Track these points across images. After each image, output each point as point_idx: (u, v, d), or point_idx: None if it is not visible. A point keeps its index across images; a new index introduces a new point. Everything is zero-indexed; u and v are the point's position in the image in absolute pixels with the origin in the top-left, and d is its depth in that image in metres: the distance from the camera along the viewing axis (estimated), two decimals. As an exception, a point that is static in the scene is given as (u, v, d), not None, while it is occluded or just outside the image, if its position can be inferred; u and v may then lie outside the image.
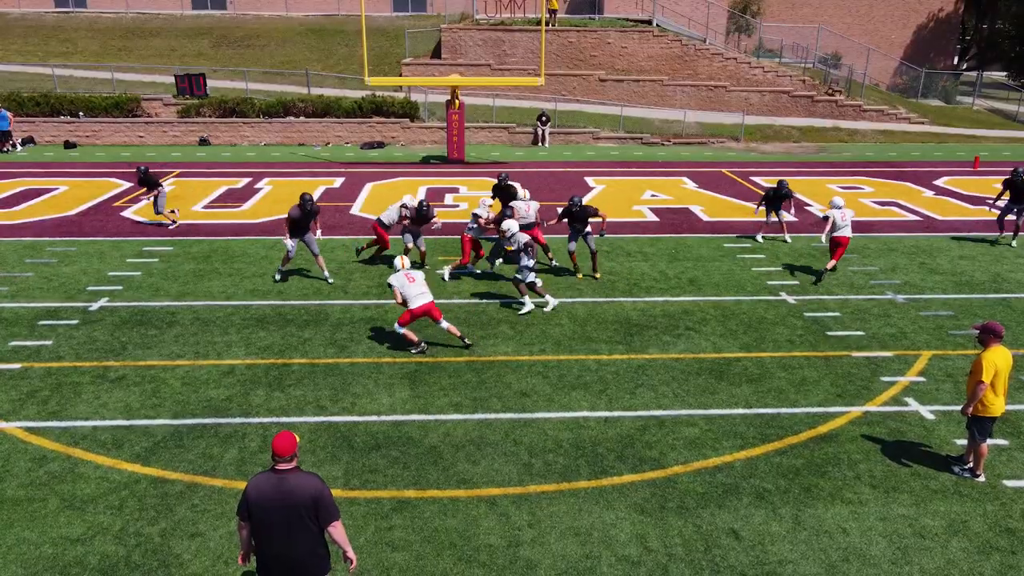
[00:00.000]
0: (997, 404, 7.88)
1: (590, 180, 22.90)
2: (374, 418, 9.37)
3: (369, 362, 10.82)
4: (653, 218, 18.69)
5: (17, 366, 10.54)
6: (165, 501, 7.73)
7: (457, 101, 25.19)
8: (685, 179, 23.23)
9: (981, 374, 7.72)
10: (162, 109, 29.39)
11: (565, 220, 14.20)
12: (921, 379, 10.50)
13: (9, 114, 26.42)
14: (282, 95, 30.40)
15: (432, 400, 9.82)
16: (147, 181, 16.72)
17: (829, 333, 11.97)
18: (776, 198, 16.76)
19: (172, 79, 31.33)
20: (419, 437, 8.97)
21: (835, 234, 14.15)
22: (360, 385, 10.18)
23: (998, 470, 8.39)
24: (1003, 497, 7.93)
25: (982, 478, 8.21)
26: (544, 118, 28.92)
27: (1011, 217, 16.97)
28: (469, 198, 20.48)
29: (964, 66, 48.91)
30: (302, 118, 29.11)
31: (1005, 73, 48.77)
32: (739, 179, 23.31)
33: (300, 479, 5.32)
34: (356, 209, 19.40)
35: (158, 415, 9.34)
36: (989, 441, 8.70)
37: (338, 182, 22.36)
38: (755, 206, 17.88)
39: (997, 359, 7.74)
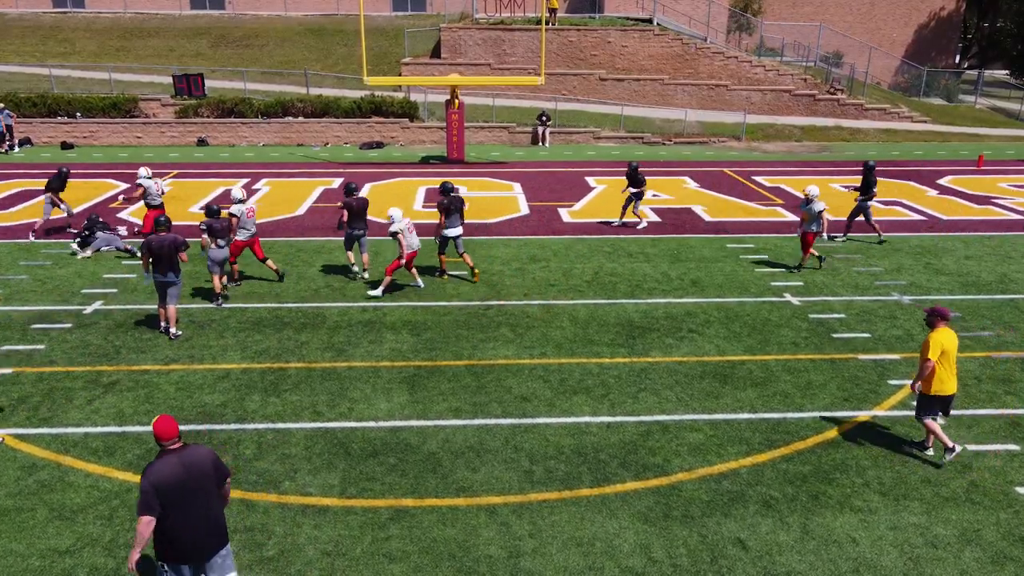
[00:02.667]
0: (948, 384, 8.22)
1: (591, 180, 22.69)
2: (372, 424, 9.18)
3: (367, 366, 10.63)
4: (655, 218, 18.48)
5: (8, 371, 10.35)
6: (157, 511, 7.53)
7: (456, 101, 24.99)
8: (687, 179, 23.03)
9: (928, 353, 8.08)
10: (160, 109, 29.20)
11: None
12: (929, 382, 10.29)
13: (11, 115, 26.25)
14: (281, 95, 30.21)
15: (431, 405, 9.62)
16: None
17: (835, 335, 11.77)
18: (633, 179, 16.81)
19: (170, 79, 31.14)
20: (417, 443, 8.77)
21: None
22: (358, 390, 9.98)
23: (1011, 476, 8.20)
24: (1016, 505, 7.73)
25: (955, 452, 8.28)
26: (544, 117, 28.72)
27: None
28: (468, 198, 20.27)
29: (966, 64, 48.68)
30: (301, 118, 28.91)
31: (1007, 71, 48.56)
32: (741, 179, 23.11)
33: (194, 450, 5.63)
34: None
35: (151, 421, 9.14)
36: (1010, 447, 8.56)
37: (337, 183, 22.16)
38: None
39: (944, 339, 8.12)
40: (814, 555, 7.01)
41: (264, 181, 22.17)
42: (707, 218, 18.54)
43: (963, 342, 11.56)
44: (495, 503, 7.73)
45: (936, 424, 8.42)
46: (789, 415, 9.47)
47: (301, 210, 19.10)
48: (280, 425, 9.11)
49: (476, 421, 9.26)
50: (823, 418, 9.41)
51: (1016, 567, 6.86)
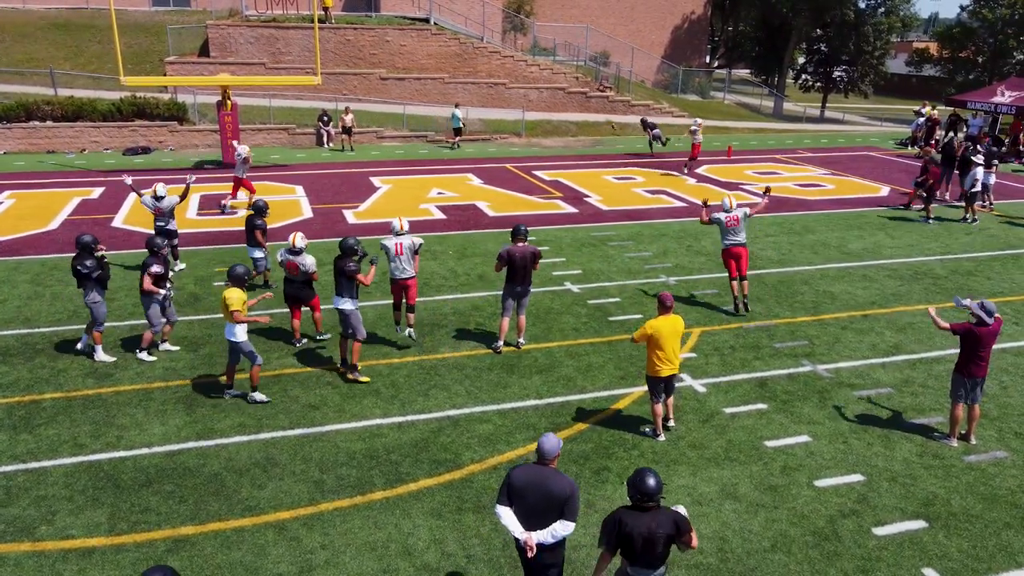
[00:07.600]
0: (663, 368, 8.66)
1: (375, 180, 22.50)
2: (145, 451, 8.51)
3: (137, 389, 9.83)
4: (440, 216, 18.69)
5: None
6: None
7: (229, 102, 23.72)
8: (471, 175, 23.50)
9: (635, 335, 8.74)
10: None
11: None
12: (693, 355, 11.26)
13: None
14: (23, 97, 27.12)
15: (212, 424, 9.09)
16: None
17: (611, 318, 12.53)
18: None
19: None
20: (197, 466, 8.25)
21: None
22: (127, 416, 9.20)
23: (760, 433, 9.17)
24: (765, 458, 8.66)
25: (662, 437, 8.97)
26: (326, 118, 28.08)
27: None
28: (248, 202, 19.32)
29: (715, 64, 53.73)
30: (49, 123, 26.12)
31: (748, 71, 54.19)
32: (522, 173, 23.96)
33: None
34: (119, 221, 17.69)
35: None
36: (759, 406, 9.51)
37: (97, 192, 20.29)
38: None
39: (655, 326, 8.59)
40: (596, 527, 7.41)
41: (7, 194, 19.80)
42: (491, 213, 19.02)
43: (718, 316, 12.77)
44: (284, 519, 7.46)
45: (659, 408, 8.87)
46: (572, 397, 9.96)
47: (54, 224, 17.28)
48: (33, 464, 8.19)
49: (262, 435, 8.87)
50: (602, 397, 9.99)
51: (767, 512, 7.69)
